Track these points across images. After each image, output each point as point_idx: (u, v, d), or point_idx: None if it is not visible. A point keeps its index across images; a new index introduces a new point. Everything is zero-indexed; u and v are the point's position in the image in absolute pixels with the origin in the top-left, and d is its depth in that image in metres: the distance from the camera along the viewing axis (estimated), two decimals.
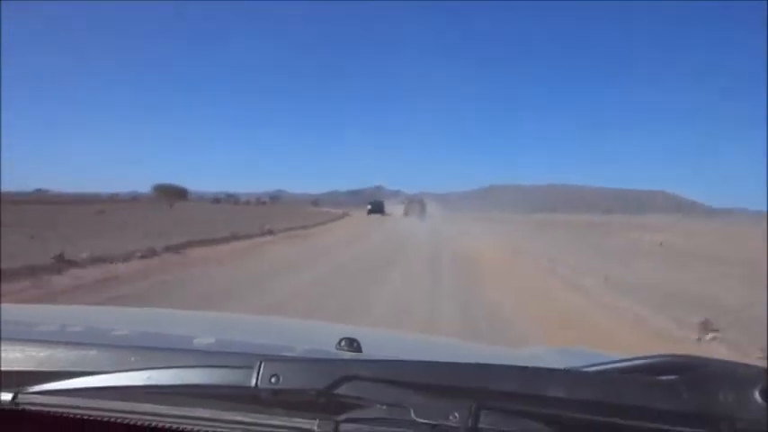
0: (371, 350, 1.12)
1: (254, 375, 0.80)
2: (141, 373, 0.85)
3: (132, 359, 0.88)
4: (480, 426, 0.75)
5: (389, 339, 1.82)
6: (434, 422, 0.76)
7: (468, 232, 27.84)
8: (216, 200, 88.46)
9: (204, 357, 0.89)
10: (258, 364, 0.81)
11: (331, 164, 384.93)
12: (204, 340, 1.15)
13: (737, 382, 0.74)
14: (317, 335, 1.67)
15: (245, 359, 0.83)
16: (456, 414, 0.76)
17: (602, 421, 0.75)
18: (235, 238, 17.69)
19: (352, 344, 1.10)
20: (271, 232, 21.49)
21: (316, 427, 0.81)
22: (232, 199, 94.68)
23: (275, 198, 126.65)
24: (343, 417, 0.80)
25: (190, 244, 14.39)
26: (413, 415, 0.77)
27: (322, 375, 0.80)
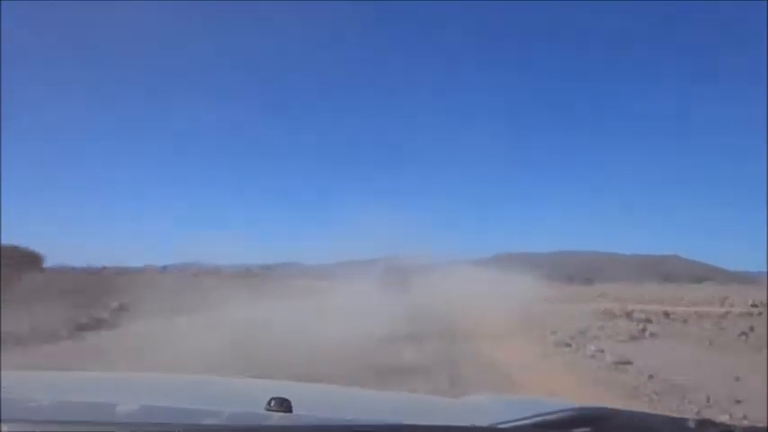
0: (302, 409, 1.13)
1: None
2: None
3: None
4: None
5: (321, 396, 1.81)
6: None
7: None
8: (195, 274, 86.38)
9: (124, 429, 0.91)
10: None
11: (345, 234, 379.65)
12: (128, 408, 1.13)
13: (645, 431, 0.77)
14: (246, 394, 1.68)
15: (167, 431, 0.85)
16: None
17: None
18: None
19: (282, 404, 1.11)
20: None
21: None
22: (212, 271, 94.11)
23: (267, 269, 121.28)
24: None
25: None
26: None
27: None
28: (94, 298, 17.64)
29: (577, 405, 0.85)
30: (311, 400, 1.50)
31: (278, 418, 1.05)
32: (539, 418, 0.84)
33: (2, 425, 0.89)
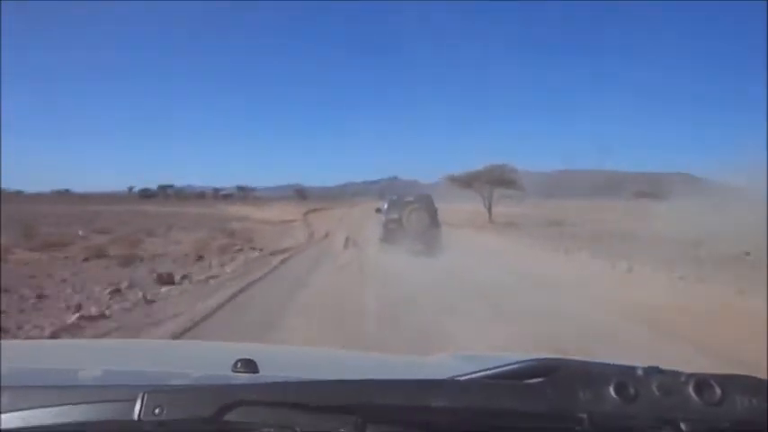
0: (268, 370, 1.14)
1: (138, 408, 0.79)
2: (16, 414, 0.81)
3: (5, 401, 0.84)
4: None
5: (287, 357, 1.85)
6: None
7: None
8: (146, 195, 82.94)
9: (85, 393, 0.87)
10: (141, 395, 0.80)
11: (346, 155, 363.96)
12: (90, 373, 1.12)
13: (594, 380, 0.81)
14: (213, 357, 1.67)
15: (129, 391, 0.82)
16: (342, 431, 0.77)
17: (481, 426, 0.80)
18: None
19: (249, 365, 1.12)
20: None
21: None
22: (173, 192, 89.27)
23: (245, 190, 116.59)
24: None
25: None
26: None
27: (208, 403, 0.79)
28: None
29: (534, 357, 0.90)
30: (277, 361, 1.55)
31: (245, 378, 1.05)
32: (495, 370, 0.90)
33: None
